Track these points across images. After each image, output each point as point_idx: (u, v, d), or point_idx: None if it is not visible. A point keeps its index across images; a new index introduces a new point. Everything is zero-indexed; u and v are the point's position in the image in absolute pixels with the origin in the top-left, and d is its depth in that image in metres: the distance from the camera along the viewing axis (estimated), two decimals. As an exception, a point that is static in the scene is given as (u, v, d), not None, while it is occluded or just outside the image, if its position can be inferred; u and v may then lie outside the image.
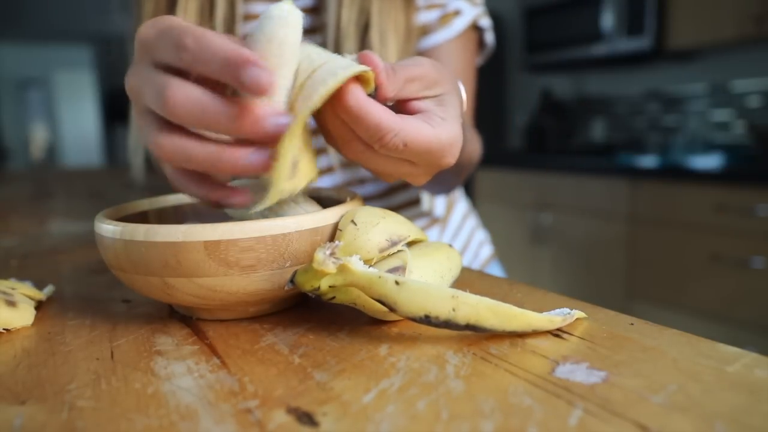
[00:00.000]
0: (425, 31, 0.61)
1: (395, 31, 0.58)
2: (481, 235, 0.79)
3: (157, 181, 0.59)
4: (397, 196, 0.66)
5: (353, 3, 0.57)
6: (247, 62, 0.26)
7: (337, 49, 0.58)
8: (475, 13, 0.63)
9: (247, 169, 0.29)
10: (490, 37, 0.66)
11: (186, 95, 0.28)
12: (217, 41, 0.27)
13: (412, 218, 0.68)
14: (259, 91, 0.26)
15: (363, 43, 0.58)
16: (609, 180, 1.96)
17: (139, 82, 0.30)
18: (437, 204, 0.71)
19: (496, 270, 0.78)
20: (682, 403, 0.21)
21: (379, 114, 0.30)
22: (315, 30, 0.60)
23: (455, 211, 0.75)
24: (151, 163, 0.64)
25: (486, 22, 0.64)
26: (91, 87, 7.24)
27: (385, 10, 0.57)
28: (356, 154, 0.32)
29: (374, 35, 0.57)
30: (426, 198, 0.69)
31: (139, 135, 0.57)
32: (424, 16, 0.61)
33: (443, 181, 0.58)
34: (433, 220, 0.71)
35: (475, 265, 0.75)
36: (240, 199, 0.32)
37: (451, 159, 0.33)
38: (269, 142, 0.29)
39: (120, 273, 0.32)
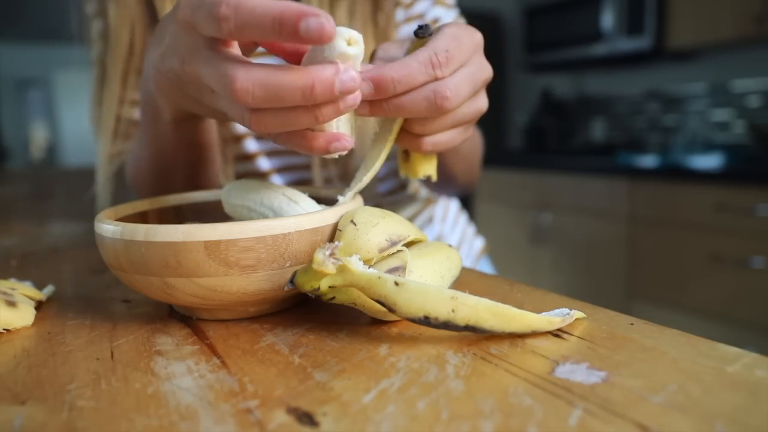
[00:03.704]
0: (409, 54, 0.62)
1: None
2: (472, 228, 0.80)
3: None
4: (384, 183, 0.67)
5: None
6: (304, 14, 0.25)
7: None
8: (453, 16, 0.64)
9: (347, 89, 0.28)
10: None
11: (252, 81, 0.27)
12: (257, 3, 0.26)
13: (402, 203, 0.68)
14: (325, 36, 0.25)
15: None
16: (609, 180, 1.96)
17: (197, 66, 0.30)
18: (423, 187, 0.72)
19: (487, 264, 0.80)
20: (682, 403, 0.21)
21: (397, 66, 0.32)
22: None
23: (451, 205, 0.76)
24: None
25: (462, 22, 0.65)
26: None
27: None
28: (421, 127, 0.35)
29: None
30: (412, 182, 0.70)
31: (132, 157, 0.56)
32: (405, 30, 0.61)
33: (451, 178, 0.58)
34: (427, 200, 0.71)
35: (471, 257, 0.76)
36: (344, 143, 0.31)
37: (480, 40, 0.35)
38: (342, 105, 0.29)
39: (120, 273, 0.32)
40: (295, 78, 0.27)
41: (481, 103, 0.37)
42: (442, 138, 0.36)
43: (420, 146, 0.36)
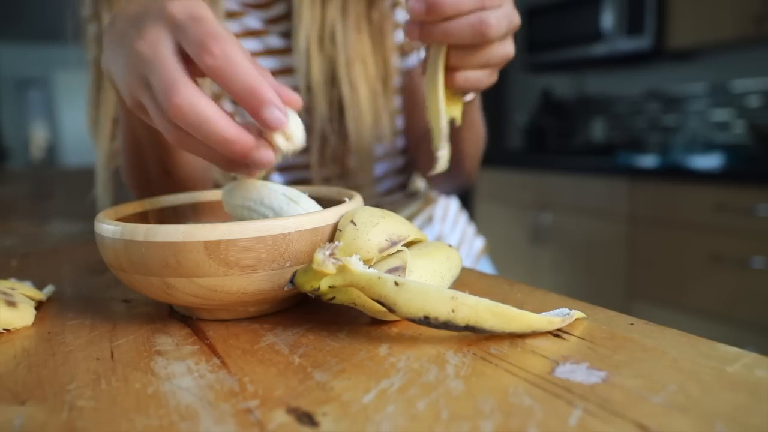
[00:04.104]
0: (407, 49, 0.62)
1: (366, 80, 0.59)
2: (472, 228, 0.80)
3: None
4: (383, 183, 0.67)
5: (321, 51, 0.58)
6: (267, 103, 0.29)
7: (309, 97, 0.59)
8: None
9: (256, 162, 0.31)
10: None
11: (190, 104, 0.29)
12: (244, 65, 0.29)
13: (402, 202, 0.68)
14: (274, 129, 0.30)
15: (332, 91, 0.59)
16: (609, 180, 1.96)
17: (151, 53, 0.30)
18: (423, 186, 0.72)
19: (487, 264, 0.80)
20: (682, 403, 0.21)
21: None
22: (286, 71, 0.60)
23: (451, 205, 0.76)
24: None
25: None
26: (91, 87, 7.16)
27: (351, 59, 0.58)
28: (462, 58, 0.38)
29: (344, 87, 0.58)
30: (412, 179, 0.70)
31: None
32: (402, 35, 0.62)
33: (460, 159, 0.59)
34: (427, 200, 0.71)
35: (471, 257, 0.76)
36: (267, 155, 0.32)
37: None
38: (249, 167, 0.32)
39: (120, 273, 0.32)
40: (223, 127, 0.29)
41: (509, 48, 0.40)
42: (472, 75, 0.39)
43: (453, 80, 0.39)
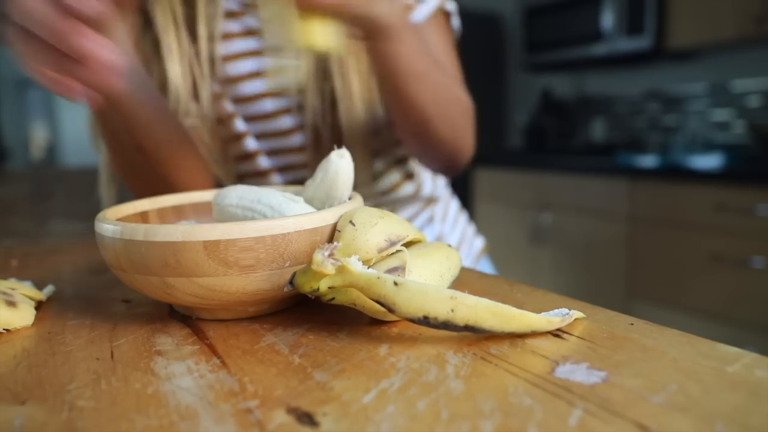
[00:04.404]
0: None
1: (358, 73, 0.58)
2: (473, 228, 0.80)
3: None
4: (383, 180, 0.67)
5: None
6: (71, 36, 0.33)
7: (300, 92, 0.60)
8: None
9: (77, 49, 0.34)
10: (456, 22, 0.66)
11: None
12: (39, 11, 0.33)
13: (402, 202, 0.68)
14: (73, 13, 0.33)
15: (324, 85, 0.59)
16: (609, 180, 1.95)
17: None
18: (424, 185, 0.71)
19: (487, 264, 0.79)
20: (682, 403, 0.21)
21: None
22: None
23: (451, 205, 0.76)
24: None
25: (451, 5, 0.65)
26: (91, 87, 7.14)
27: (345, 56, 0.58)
28: None
29: (336, 80, 0.58)
30: (414, 177, 0.69)
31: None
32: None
33: (424, 117, 0.55)
34: (427, 200, 0.71)
35: (471, 257, 0.76)
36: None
37: None
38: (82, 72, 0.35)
39: (120, 273, 0.32)
40: (49, 14, 0.33)
41: None
42: None
43: None
